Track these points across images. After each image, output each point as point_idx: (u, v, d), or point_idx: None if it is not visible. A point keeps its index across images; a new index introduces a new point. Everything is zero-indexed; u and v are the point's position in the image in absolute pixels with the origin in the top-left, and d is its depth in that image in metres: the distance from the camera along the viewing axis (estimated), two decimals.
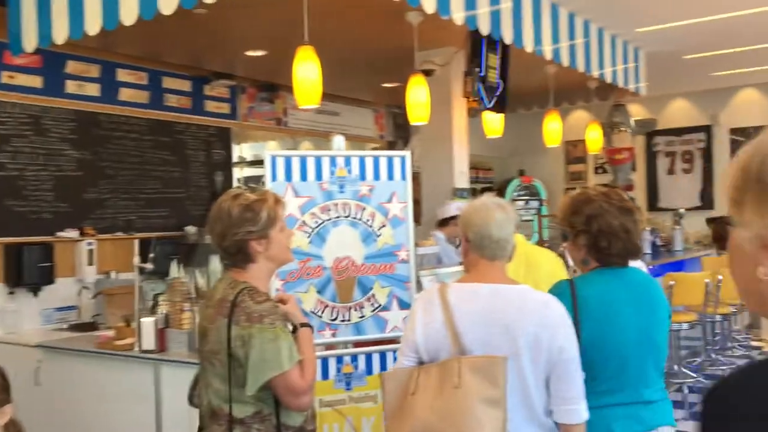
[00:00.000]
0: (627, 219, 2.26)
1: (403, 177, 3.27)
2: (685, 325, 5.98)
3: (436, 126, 5.71)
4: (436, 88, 5.52)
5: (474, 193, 10.01)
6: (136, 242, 4.67)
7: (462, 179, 5.80)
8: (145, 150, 6.05)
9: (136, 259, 4.15)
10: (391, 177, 3.26)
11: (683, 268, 7.25)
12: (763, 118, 8.65)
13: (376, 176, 3.23)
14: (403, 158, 3.30)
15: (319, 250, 3.13)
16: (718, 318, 6.59)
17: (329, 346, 3.19)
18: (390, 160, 3.26)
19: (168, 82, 6.29)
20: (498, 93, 5.17)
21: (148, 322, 3.70)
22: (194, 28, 5.04)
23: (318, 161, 3.14)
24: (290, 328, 2.19)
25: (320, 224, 3.14)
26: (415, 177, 5.62)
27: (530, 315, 1.98)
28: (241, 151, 7.63)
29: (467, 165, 5.96)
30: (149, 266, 4.15)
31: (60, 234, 5.32)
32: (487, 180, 10.23)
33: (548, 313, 2.01)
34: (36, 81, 5.29)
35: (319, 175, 3.14)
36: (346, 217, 3.18)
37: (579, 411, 2.00)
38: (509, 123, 8.79)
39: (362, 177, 3.21)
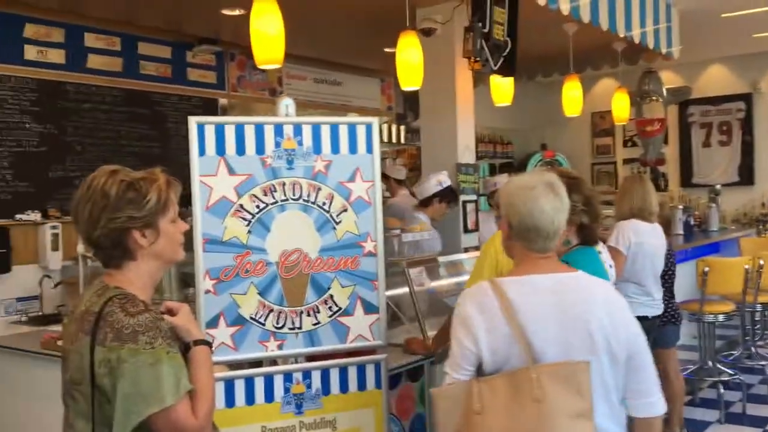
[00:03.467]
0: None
1: (369, 150, 2.63)
2: (720, 317, 5.30)
3: (437, 93, 5.07)
4: (437, 49, 4.87)
5: (492, 170, 9.46)
6: None
7: (467, 154, 5.12)
8: (119, 123, 5.59)
9: (80, 247, 3.61)
10: (353, 150, 2.62)
11: (719, 250, 6.62)
12: None
13: (335, 149, 2.60)
14: (368, 126, 2.65)
15: (261, 241, 2.53)
16: (758, 307, 5.90)
17: (275, 361, 2.60)
18: (352, 128, 2.62)
19: (144, 48, 5.75)
20: (506, 53, 4.47)
21: None
22: None
23: (259, 130, 2.51)
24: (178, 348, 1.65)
25: (263, 209, 2.53)
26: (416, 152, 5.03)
27: (600, 303, 1.79)
28: None
29: (473, 138, 5.28)
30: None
31: (20, 216, 4.90)
32: (506, 155, 9.62)
33: (614, 299, 1.84)
34: None
35: (260, 148, 2.52)
36: (296, 199, 2.57)
37: (657, 403, 1.86)
38: (529, 92, 8.15)
39: (317, 150, 2.58)
